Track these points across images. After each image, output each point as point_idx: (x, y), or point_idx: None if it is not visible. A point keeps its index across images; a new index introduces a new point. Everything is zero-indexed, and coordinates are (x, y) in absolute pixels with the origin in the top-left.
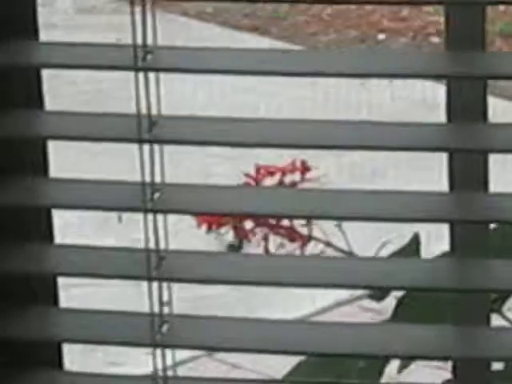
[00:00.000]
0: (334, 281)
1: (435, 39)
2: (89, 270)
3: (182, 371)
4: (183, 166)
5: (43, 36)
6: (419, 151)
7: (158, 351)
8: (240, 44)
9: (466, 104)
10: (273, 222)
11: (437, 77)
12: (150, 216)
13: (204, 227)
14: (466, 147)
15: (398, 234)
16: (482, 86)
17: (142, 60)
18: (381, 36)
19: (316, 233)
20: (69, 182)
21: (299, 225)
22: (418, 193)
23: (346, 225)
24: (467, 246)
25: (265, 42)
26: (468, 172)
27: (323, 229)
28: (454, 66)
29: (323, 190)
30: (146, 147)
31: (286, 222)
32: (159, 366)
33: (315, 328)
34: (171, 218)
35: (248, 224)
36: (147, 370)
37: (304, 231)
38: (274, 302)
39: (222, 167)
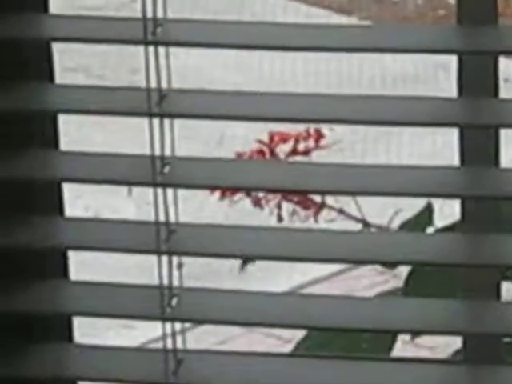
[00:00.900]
0: (343, 255)
1: (451, 0)
2: (98, 244)
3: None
4: (197, 126)
5: None
6: (431, 126)
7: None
8: (255, 5)
9: (478, 80)
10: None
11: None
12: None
13: (217, 194)
14: (477, 122)
15: (411, 202)
16: (493, 62)
17: (152, 34)
18: None
19: (329, 200)
20: (78, 155)
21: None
22: (430, 167)
23: None
24: (478, 220)
25: (279, 3)
26: (479, 147)
27: (336, 197)
28: (466, 43)
29: (336, 164)
30: (156, 121)
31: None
32: (169, 338)
33: (321, 301)
34: None
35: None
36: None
37: (317, 198)
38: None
39: (236, 129)
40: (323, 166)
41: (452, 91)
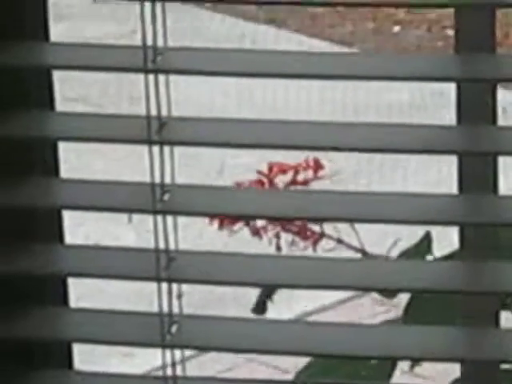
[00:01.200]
0: (344, 282)
1: (450, 32)
2: (98, 272)
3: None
4: (197, 155)
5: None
6: (429, 154)
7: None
8: (257, 36)
9: (476, 108)
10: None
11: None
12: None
13: (216, 224)
14: (475, 150)
15: (409, 232)
16: (491, 90)
17: (152, 62)
18: (396, 28)
19: (328, 230)
20: (78, 182)
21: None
22: (428, 195)
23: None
24: (477, 247)
25: (281, 35)
26: (477, 174)
27: (335, 226)
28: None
29: (335, 191)
30: (156, 148)
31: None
32: (169, 365)
33: (322, 329)
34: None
35: (260, 221)
36: (159, 361)
37: (316, 228)
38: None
39: (237, 159)
40: (322, 193)
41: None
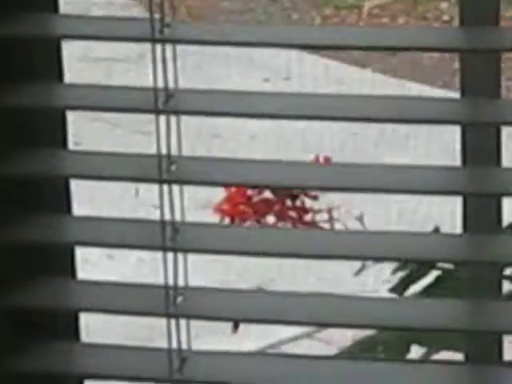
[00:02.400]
0: (347, 252)
1: None
2: (108, 307)
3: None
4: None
5: None
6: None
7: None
8: (271, 57)
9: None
10: (295, 216)
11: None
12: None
13: (227, 220)
14: (478, 120)
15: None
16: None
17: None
18: None
19: (338, 228)
20: (86, 154)
21: (321, 220)
22: (432, 167)
23: (367, 219)
24: (479, 221)
25: (297, 55)
26: (480, 146)
27: (345, 224)
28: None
29: (339, 163)
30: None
31: (308, 217)
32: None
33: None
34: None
35: (270, 218)
36: None
37: (326, 226)
38: None
39: None
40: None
41: None
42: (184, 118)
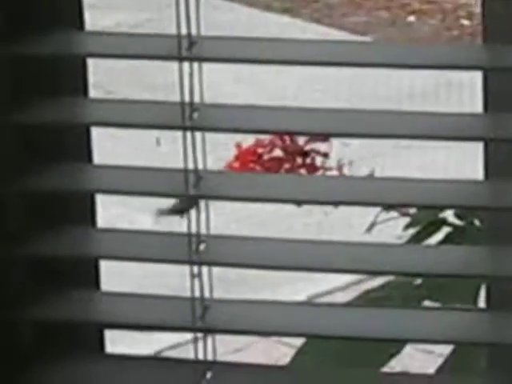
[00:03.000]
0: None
1: (466, 22)
2: (124, 189)
3: None
4: None
5: None
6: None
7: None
8: (271, 26)
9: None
10: (309, 173)
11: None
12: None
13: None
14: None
15: None
16: None
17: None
18: (411, 18)
19: None
20: (107, 102)
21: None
22: (453, 113)
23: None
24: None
25: (297, 24)
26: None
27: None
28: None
29: (358, 109)
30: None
31: (318, 174)
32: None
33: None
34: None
35: None
36: None
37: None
38: None
39: None
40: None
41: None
42: None
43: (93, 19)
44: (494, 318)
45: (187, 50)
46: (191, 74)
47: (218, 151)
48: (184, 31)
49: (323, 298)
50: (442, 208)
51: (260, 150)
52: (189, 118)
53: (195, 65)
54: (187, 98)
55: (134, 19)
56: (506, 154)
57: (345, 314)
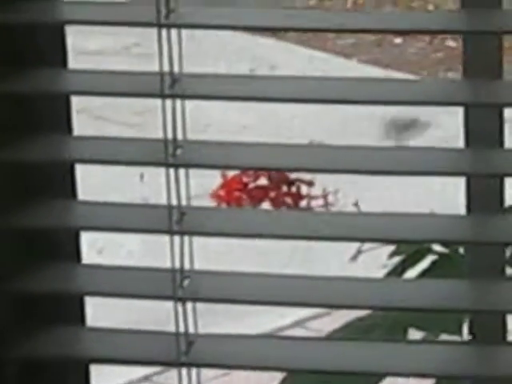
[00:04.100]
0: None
1: (452, 43)
2: (110, 225)
3: None
4: None
5: None
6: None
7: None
8: (257, 48)
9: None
10: (291, 202)
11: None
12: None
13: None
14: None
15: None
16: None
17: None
18: (397, 40)
19: None
20: (91, 139)
21: (317, 206)
22: (435, 148)
23: (363, 207)
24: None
25: (281, 46)
26: (483, 129)
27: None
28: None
29: (340, 146)
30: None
31: (304, 203)
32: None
33: None
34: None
35: (266, 205)
36: None
37: (322, 211)
38: None
39: None
40: (326, 147)
41: None
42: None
43: (78, 43)
44: (477, 351)
45: (170, 87)
46: (174, 112)
47: (203, 179)
48: (166, 68)
49: (307, 322)
50: (426, 243)
51: (245, 179)
52: (172, 154)
53: (178, 101)
54: (170, 135)
55: (121, 43)
56: (488, 188)
57: (327, 347)
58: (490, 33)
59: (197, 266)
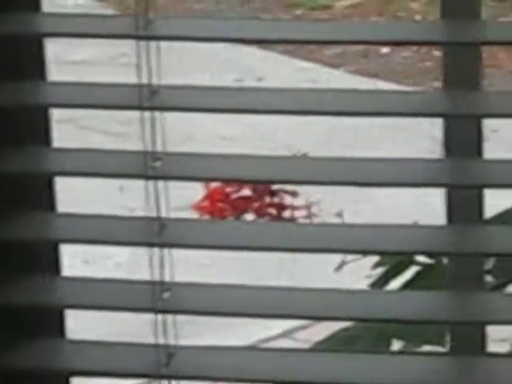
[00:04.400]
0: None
1: (438, 53)
2: (90, 237)
3: None
4: None
5: None
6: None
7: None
8: (244, 58)
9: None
10: (274, 212)
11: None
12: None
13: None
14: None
15: None
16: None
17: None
18: (384, 50)
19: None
20: (70, 151)
21: (301, 217)
22: (414, 159)
23: (347, 216)
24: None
25: (267, 56)
26: (462, 139)
27: (325, 221)
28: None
29: (321, 157)
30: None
31: (287, 214)
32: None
33: None
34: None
35: (249, 216)
36: None
37: (306, 222)
38: None
39: None
40: (310, 159)
41: None
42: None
43: (64, 53)
44: (457, 362)
45: (148, 99)
46: (153, 123)
47: (186, 191)
48: (145, 80)
49: (295, 333)
50: (407, 254)
51: (228, 190)
52: (151, 167)
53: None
54: (150, 147)
55: (107, 53)
56: (467, 198)
57: (310, 358)
58: (469, 44)
59: (180, 279)
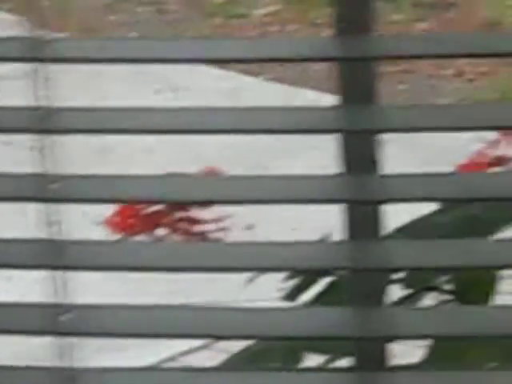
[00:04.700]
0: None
1: None
2: None
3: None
4: None
5: None
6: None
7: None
8: (162, 69)
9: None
10: (188, 227)
11: None
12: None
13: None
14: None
15: None
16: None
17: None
18: None
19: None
20: None
21: (212, 230)
22: (313, 176)
23: (258, 228)
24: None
25: (186, 66)
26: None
27: (236, 233)
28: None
29: (225, 176)
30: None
31: (199, 228)
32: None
33: None
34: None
35: (161, 231)
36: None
37: (217, 236)
38: None
39: None
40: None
41: None
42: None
43: None
44: (360, 378)
45: (42, 121)
46: (51, 145)
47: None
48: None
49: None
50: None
51: (138, 205)
52: (47, 189)
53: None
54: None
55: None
56: (365, 213)
57: (212, 378)
58: (362, 59)
59: (82, 301)
